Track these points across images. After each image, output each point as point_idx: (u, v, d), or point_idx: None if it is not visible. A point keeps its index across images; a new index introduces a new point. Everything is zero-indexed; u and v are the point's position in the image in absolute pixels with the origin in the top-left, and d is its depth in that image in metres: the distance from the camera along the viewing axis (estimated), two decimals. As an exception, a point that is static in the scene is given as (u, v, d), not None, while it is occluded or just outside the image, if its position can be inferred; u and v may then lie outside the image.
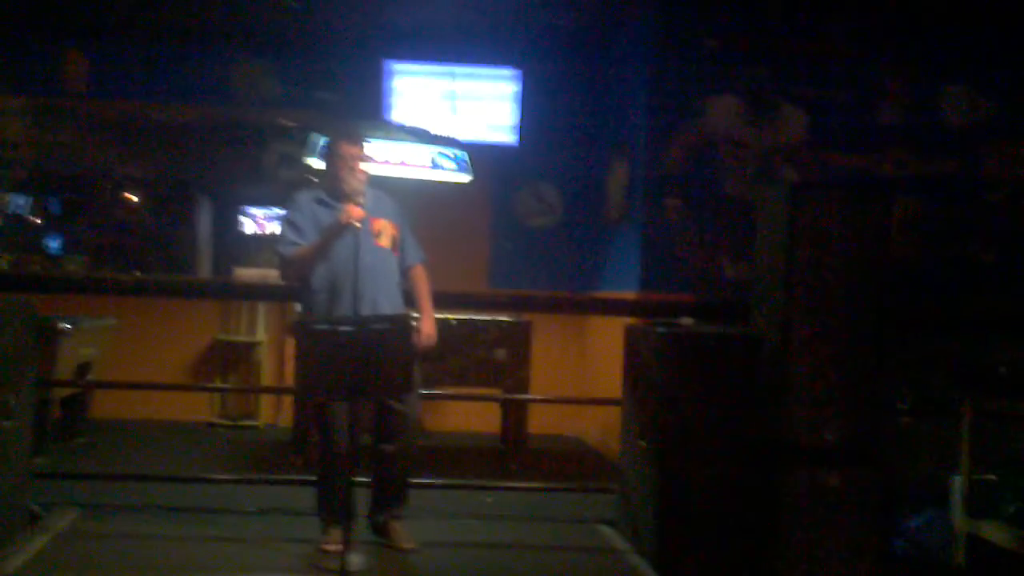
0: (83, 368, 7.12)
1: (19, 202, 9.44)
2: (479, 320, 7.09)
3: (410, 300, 4.97)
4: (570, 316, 8.49)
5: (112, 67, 8.55)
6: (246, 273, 8.65)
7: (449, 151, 7.31)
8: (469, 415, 8.24)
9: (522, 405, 7.22)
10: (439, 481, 5.79)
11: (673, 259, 7.26)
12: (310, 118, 8.33)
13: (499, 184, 8.78)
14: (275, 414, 8.50)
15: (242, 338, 8.69)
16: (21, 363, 4.84)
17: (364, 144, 5.00)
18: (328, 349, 4.41)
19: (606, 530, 5.40)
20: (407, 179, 6.93)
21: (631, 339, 5.31)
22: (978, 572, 4.59)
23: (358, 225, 4.66)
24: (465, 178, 7.35)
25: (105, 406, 7.81)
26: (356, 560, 4.39)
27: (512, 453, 7.14)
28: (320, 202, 4.89)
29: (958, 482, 4.55)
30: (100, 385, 7.45)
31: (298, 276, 4.92)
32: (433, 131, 7.54)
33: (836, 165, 7.34)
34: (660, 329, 5.00)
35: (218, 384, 8.62)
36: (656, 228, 7.33)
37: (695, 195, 7.32)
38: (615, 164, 8.11)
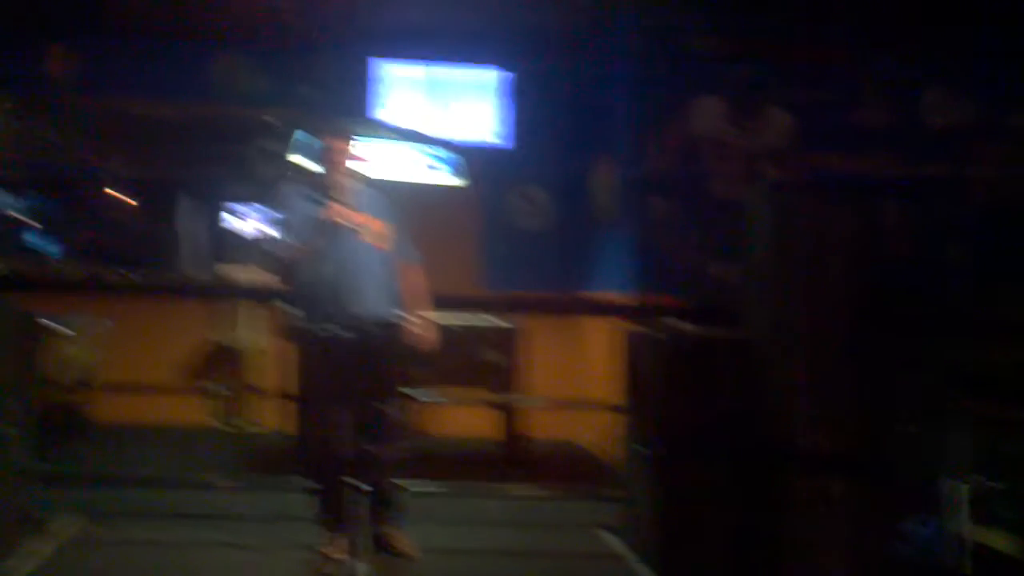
0: (82, 372, 7.06)
1: (5, 200, 9.34)
2: (470, 323, 7.10)
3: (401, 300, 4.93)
4: (567, 318, 8.49)
5: (97, 64, 8.47)
6: (230, 270, 8.58)
7: (439, 152, 7.33)
8: (468, 420, 8.23)
9: (520, 409, 7.22)
10: (440, 487, 5.80)
11: (661, 260, 7.29)
12: (295, 116, 8.30)
13: (489, 186, 8.77)
14: (278, 419, 8.44)
15: (243, 342, 8.60)
16: (22, 367, 4.82)
17: (352, 140, 4.92)
18: (319, 352, 4.42)
19: (607, 536, 5.43)
20: (398, 181, 6.93)
21: (631, 345, 5.33)
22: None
23: (348, 224, 4.64)
24: (458, 182, 7.34)
25: (104, 410, 7.73)
26: (362, 569, 4.41)
27: (513, 458, 7.14)
28: (308, 198, 4.84)
29: (962, 489, 4.61)
30: (100, 389, 7.37)
31: (290, 276, 4.90)
32: (422, 132, 7.55)
33: (820, 166, 7.39)
34: (660, 335, 5.04)
35: (220, 389, 8.53)
36: (644, 230, 7.36)
37: (682, 196, 7.35)
38: (603, 166, 8.13)
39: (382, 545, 4.89)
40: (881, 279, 4.92)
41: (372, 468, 4.84)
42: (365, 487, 4.82)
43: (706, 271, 7.20)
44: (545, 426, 8.05)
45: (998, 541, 4.41)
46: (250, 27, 8.43)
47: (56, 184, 9.51)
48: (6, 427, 4.57)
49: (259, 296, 7.53)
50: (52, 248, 9.66)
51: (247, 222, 9.36)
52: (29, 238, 9.61)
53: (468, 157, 7.68)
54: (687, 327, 5.34)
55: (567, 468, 7.50)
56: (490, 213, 8.90)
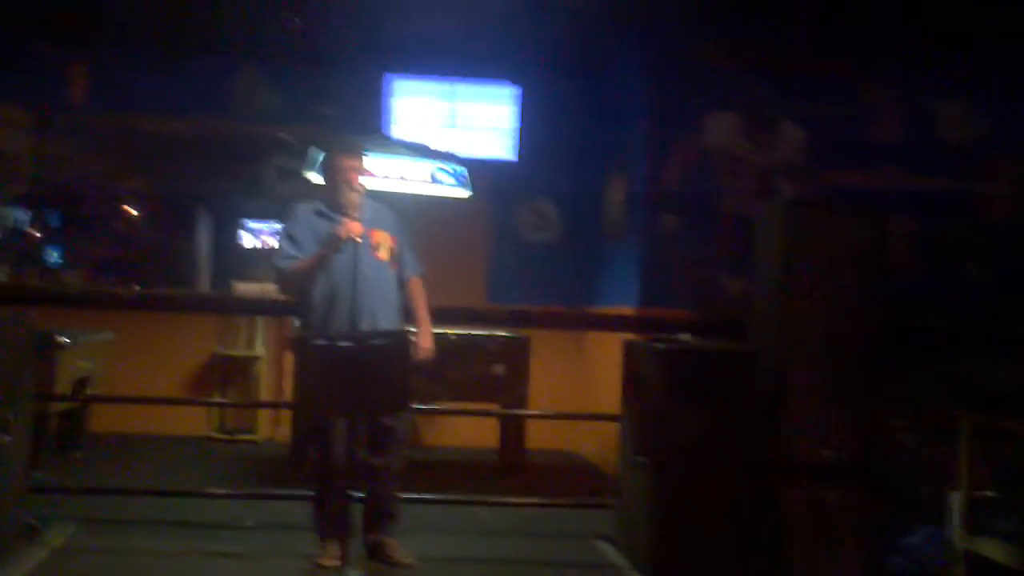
0: (81, 382, 7.11)
1: (19, 215, 9.43)
2: (477, 335, 7.10)
3: (408, 313, 4.96)
4: (569, 332, 8.48)
5: (113, 80, 8.56)
6: (245, 287, 8.65)
7: (448, 166, 7.35)
8: (467, 430, 8.23)
9: (520, 420, 7.22)
10: (437, 497, 5.79)
11: (671, 275, 7.26)
12: (310, 132, 8.34)
13: (498, 199, 8.79)
14: (273, 429, 8.49)
15: (241, 352, 8.69)
16: (19, 377, 4.84)
17: (363, 157, 5.00)
18: (326, 364, 4.42)
19: (604, 546, 5.39)
20: (406, 194, 6.95)
21: (630, 355, 5.32)
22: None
23: (358, 239, 4.66)
24: (464, 193, 7.37)
25: (103, 420, 7.80)
26: (354, 575, 4.39)
27: (510, 468, 7.13)
28: (319, 214, 4.88)
29: (957, 499, 4.55)
30: (98, 399, 7.43)
31: (296, 290, 4.93)
32: (432, 146, 7.58)
33: (834, 182, 7.35)
34: (659, 345, 5.02)
35: (216, 399, 8.61)
36: (654, 244, 7.34)
37: (693, 211, 7.33)
38: (613, 180, 8.13)
39: (378, 554, 4.87)
40: (892, 294, 4.89)
41: (373, 478, 4.84)
42: (358, 495, 4.82)
43: (717, 286, 7.17)
44: (550, 438, 8.05)
45: (993, 551, 4.34)
46: (266, 44, 8.50)
47: (71, 199, 9.60)
48: (2, 435, 4.58)
49: (268, 310, 7.55)
50: (63, 262, 9.76)
51: (261, 238, 9.42)
52: (43, 253, 9.71)
53: (478, 171, 7.69)
54: (686, 337, 5.32)
55: (569, 479, 7.49)
56: (499, 227, 8.93)
